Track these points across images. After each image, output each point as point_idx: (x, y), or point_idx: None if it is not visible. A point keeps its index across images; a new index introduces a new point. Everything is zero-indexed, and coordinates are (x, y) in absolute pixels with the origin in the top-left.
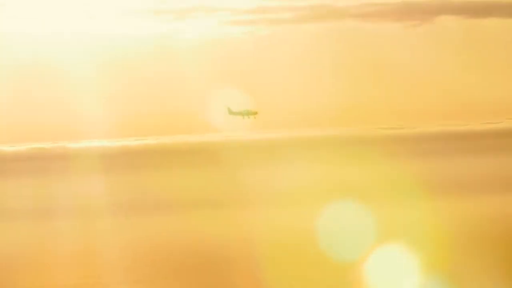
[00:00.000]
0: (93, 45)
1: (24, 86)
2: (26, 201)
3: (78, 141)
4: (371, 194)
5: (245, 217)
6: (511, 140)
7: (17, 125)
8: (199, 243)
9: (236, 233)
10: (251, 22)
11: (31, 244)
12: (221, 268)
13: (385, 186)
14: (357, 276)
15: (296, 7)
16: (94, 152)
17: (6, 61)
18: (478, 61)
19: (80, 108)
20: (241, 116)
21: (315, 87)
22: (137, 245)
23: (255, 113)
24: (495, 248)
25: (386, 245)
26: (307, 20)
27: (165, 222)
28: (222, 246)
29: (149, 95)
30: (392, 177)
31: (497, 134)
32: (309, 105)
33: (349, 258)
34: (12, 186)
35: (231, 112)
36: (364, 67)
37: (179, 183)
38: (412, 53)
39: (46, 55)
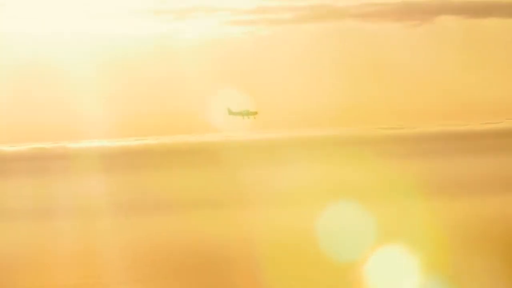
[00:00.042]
0: (93, 45)
1: (24, 86)
2: (26, 201)
3: (78, 141)
4: (371, 194)
5: (245, 217)
6: (511, 140)
7: (17, 125)
8: (199, 243)
9: (236, 233)
10: (251, 22)
11: (31, 244)
12: (221, 268)
13: (385, 186)
14: (357, 276)
15: (296, 7)
16: (94, 152)
17: (6, 61)
18: (478, 61)
19: (80, 108)
20: (241, 116)
21: (315, 87)
22: (137, 245)
23: (255, 113)
24: (495, 248)
25: (386, 245)
26: (307, 20)
27: (165, 222)
28: (222, 246)
29: (149, 95)
30: (392, 177)
31: (497, 134)
32: (309, 105)
33: (349, 258)
34: (12, 186)
35: (231, 112)
36: (364, 67)
37: (179, 183)
38: (412, 53)
39: (46, 55)
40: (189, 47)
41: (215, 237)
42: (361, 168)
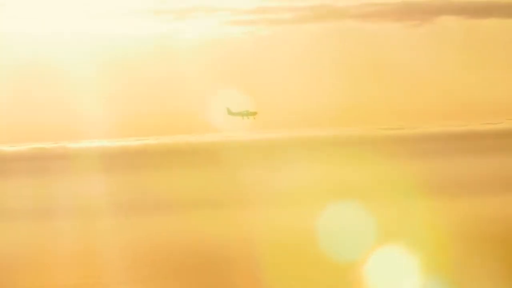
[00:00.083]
0: (93, 45)
1: (24, 86)
2: (26, 201)
3: (79, 141)
4: (371, 194)
5: (245, 217)
6: (511, 141)
7: (17, 125)
8: (199, 243)
9: (236, 233)
10: (251, 22)
11: (31, 244)
12: (221, 268)
13: (385, 186)
14: (357, 276)
15: (296, 7)
16: (94, 152)
17: (6, 61)
18: (479, 62)
19: (80, 108)
20: (241, 116)
21: (315, 87)
22: (137, 245)
23: (255, 113)
24: (495, 248)
25: (386, 245)
26: (307, 20)
27: (165, 222)
28: (222, 246)
29: (149, 95)
30: (392, 177)
31: (497, 135)
32: (309, 105)
33: (349, 258)
34: (12, 186)
35: (230, 113)
36: (364, 67)
37: (179, 183)
38: (413, 54)
39: (46, 55)
40: (189, 47)
41: (215, 237)
42: (361, 168)
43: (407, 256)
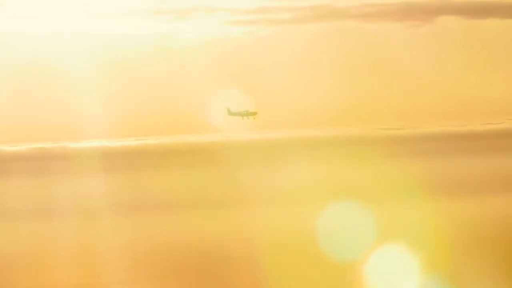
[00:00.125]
0: (93, 45)
1: (24, 86)
2: (26, 201)
3: (79, 141)
4: (371, 195)
5: (245, 217)
6: (511, 141)
7: (18, 125)
8: (199, 243)
9: (236, 233)
10: (251, 22)
11: (31, 244)
12: (221, 268)
13: (385, 186)
14: (357, 276)
15: (296, 7)
16: (94, 152)
17: (6, 61)
18: (479, 62)
19: (80, 108)
20: (241, 116)
21: (315, 87)
22: (137, 245)
23: (255, 113)
24: (495, 248)
25: (386, 245)
26: (307, 20)
27: (165, 222)
28: (222, 246)
29: (149, 95)
30: (392, 178)
31: (497, 135)
32: (309, 105)
33: (349, 258)
34: (12, 186)
35: (230, 113)
36: (365, 68)
37: (179, 183)
38: (413, 54)
39: (46, 55)
40: (189, 47)
41: (215, 237)
42: (361, 168)
43: (407, 256)
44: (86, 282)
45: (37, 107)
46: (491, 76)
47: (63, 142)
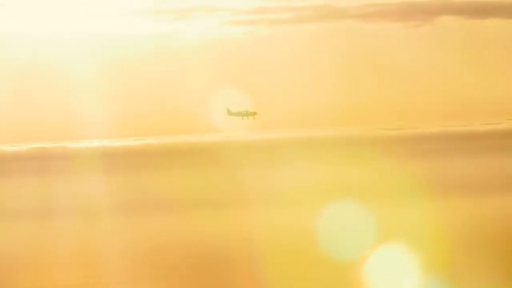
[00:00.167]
0: (93, 45)
1: (24, 86)
2: (27, 201)
3: (79, 141)
4: (371, 195)
5: (245, 217)
6: (511, 141)
7: (18, 125)
8: (199, 243)
9: (236, 233)
10: (251, 22)
11: (31, 244)
12: (221, 268)
13: (385, 186)
14: (357, 276)
15: (297, 7)
16: (94, 152)
17: (6, 61)
18: (479, 62)
19: (80, 108)
20: (240, 116)
21: (315, 87)
22: (137, 245)
23: (254, 113)
24: (495, 248)
25: (386, 245)
26: (307, 21)
27: (165, 222)
28: (222, 246)
29: (149, 95)
30: (393, 178)
31: (498, 135)
32: (309, 105)
33: (349, 258)
34: (12, 186)
35: (230, 113)
36: (365, 68)
37: (179, 183)
38: (413, 54)
39: (46, 55)
40: (189, 47)
41: (215, 237)
42: (361, 168)
43: (407, 256)
44: (86, 282)
45: (37, 107)
46: (491, 76)
47: (63, 142)
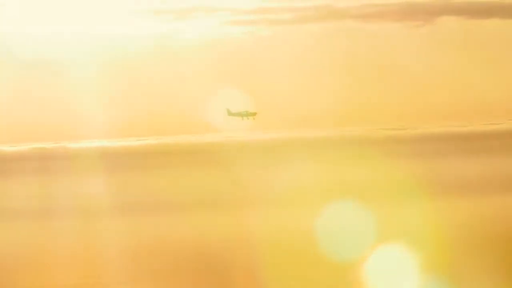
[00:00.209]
0: (93, 45)
1: (24, 86)
2: (27, 201)
3: (79, 141)
4: (372, 195)
5: (245, 217)
6: (511, 141)
7: (18, 125)
8: (199, 243)
9: (236, 233)
10: (252, 23)
11: (31, 244)
12: (221, 268)
13: (386, 186)
14: (357, 276)
15: (297, 8)
16: (94, 152)
17: (6, 61)
18: (479, 62)
19: (80, 108)
20: (240, 117)
21: (315, 87)
22: (137, 245)
23: (254, 114)
24: (495, 248)
25: (386, 245)
26: (308, 21)
27: (165, 222)
28: (222, 246)
29: (149, 95)
30: (394, 178)
31: (499, 135)
32: (309, 105)
33: (349, 258)
34: (12, 186)
35: (230, 113)
36: (365, 68)
37: (179, 183)
38: (414, 54)
39: (46, 55)
40: (189, 47)
41: (215, 237)
42: (361, 168)
43: (407, 256)
44: (86, 282)
45: (37, 107)
46: (492, 76)
47: (64, 142)
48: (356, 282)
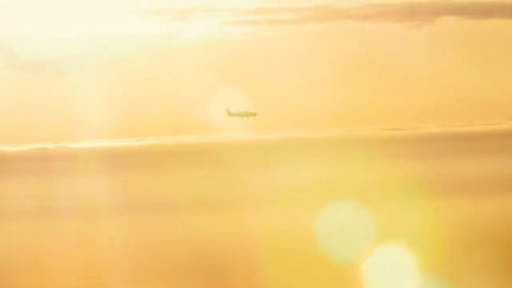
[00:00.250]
0: (93, 45)
1: (24, 86)
2: (28, 201)
3: (79, 141)
4: (372, 195)
5: (245, 217)
6: (511, 142)
7: (18, 125)
8: (199, 243)
9: (236, 233)
10: (252, 23)
11: (32, 244)
12: (221, 268)
13: (386, 186)
14: (357, 276)
15: (297, 8)
16: (95, 152)
17: (6, 61)
18: (480, 62)
19: (80, 108)
20: (240, 117)
21: (315, 88)
22: (137, 245)
23: (254, 114)
24: (495, 248)
25: (386, 245)
26: (308, 21)
27: (165, 222)
28: (222, 246)
29: (149, 95)
30: (394, 178)
31: (499, 135)
32: (309, 106)
33: (349, 258)
34: (13, 186)
35: (230, 114)
36: (366, 68)
37: (179, 183)
38: (414, 54)
39: (46, 55)
40: (189, 47)
41: (215, 237)
42: (362, 169)
43: (407, 256)
44: (86, 282)
45: (37, 107)
46: (492, 77)
47: (64, 143)
48: (356, 282)
